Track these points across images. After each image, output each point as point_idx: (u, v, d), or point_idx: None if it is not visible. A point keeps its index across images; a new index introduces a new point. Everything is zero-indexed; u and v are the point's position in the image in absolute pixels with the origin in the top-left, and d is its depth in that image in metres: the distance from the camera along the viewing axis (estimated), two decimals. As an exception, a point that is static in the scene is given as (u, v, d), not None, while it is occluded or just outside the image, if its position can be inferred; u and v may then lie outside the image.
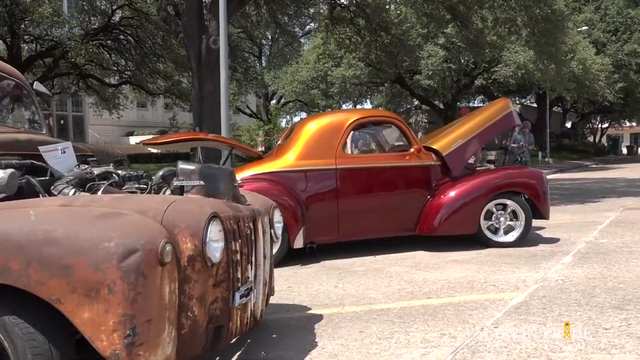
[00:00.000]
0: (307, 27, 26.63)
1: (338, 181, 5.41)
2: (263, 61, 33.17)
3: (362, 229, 5.54)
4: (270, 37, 29.90)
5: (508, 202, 5.72)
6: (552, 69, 17.88)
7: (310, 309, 3.79)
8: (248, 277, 2.61)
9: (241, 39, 25.86)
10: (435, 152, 5.83)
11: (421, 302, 3.84)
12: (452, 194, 5.65)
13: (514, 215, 5.75)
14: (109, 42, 23.02)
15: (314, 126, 5.59)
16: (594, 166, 26.25)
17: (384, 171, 5.62)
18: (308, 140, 5.49)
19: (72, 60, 21.48)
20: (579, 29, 25.20)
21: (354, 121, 5.60)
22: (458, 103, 28.36)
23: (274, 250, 5.13)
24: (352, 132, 5.60)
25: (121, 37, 22.53)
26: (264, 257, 2.85)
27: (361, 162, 5.56)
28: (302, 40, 30.00)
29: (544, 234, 6.51)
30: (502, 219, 5.75)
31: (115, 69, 24.21)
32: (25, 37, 21.73)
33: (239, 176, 5.25)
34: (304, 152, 5.43)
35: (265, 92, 31.77)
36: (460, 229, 5.65)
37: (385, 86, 26.52)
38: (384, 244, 5.86)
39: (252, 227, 2.68)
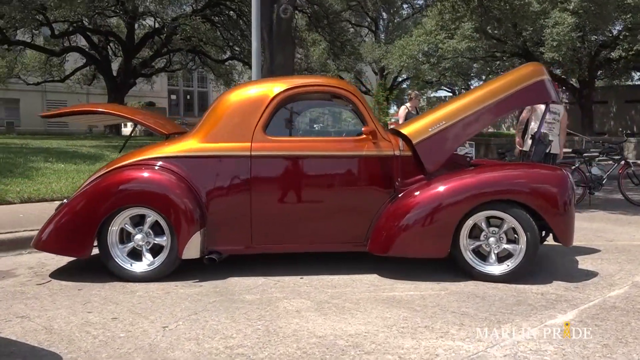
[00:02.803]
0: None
1: (252, 172, 4.01)
2: (380, 35, 31.49)
3: (286, 239, 4.08)
4: (386, 8, 28.15)
5: (504, 216, 3.86)
6: None
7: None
8: None
9: (349, 8, 24.51)
10: (405, 138, 4.14)
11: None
12: (416, 199, 3.94)
13: (516, 234, 3.88)
14: (215, 18, 23.15)
15: (231, 99, 4.20)
16: None
17: (318, 162, 4.06)
18: (220, 117, 4.14)
19: (182, 36, 21.86)
20: None
21: (282, 92, 4.10)
22: (599, 81, 24.16)
23: (156, 260, 4.02)
24: (279, 107, 4.11)
25: (226, 12, 22.46)
26: None
27: (286, 149, 4.05)
28: (421, 12, 27.77)
29: (575, 259, 4.46)
30: (491, 239, 3.91)
31: (224, 44, 24.36)
32: (141, 15, 22.60)
33: (125, 162, 4.13)
34: (212, 133, 4.10)
35: (381, 69, 30.10)
36: (422, 250, 3.92)
37: (504, 60, 23.33)
38: (349, 258, 4.36)
39: None
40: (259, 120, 4.04)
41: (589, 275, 4.08)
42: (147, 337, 2.87)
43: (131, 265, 4.01)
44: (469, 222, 3.88)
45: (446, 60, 22.92)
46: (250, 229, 4.03)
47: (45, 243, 4.03)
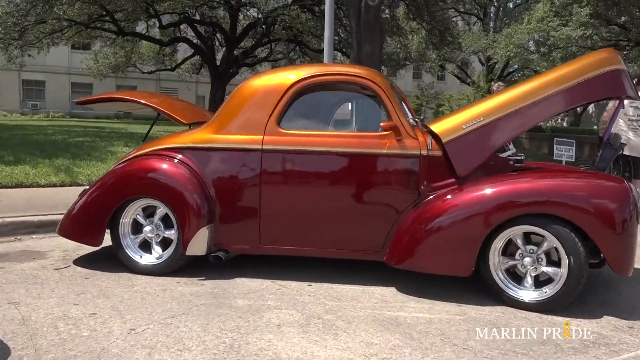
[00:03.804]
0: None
1: (262, 167, 3.72)
2: (490, 24, 29.71)
3: (297, 242, 3.74)
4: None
5: (543, 232, 3.22)
6: None
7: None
8: None
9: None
10: (436, 136, 3.61)
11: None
12: (437, 206, 3.42)
13: (559, 255, 3.22)
14: (316, 7, 23.10)
15: (247, 88, 3.92)
16: None
17: (334, 159, 3.66)
18: (234, 108, 3.89)
19: (281, 26, 22.16)
20: None
21: (298, 82, 3.74)
22: None
23: (165, 254, 3.87)
24: (295, 98, 3.76)
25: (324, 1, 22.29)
26: None
27: (299, 143, 3.68)
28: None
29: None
30: (527, 259, 3.28)
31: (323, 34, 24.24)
32: (242, 6, 23.19)
33: (141, 152, 4.06)
34: (225, 124, 3.86)
35: (487, 59, 28.44)
36: (441, 267, 3.39)
37: (628, 50, 20.84)
38: (373, 267, 3.95)
39: None
40: (273, 111, 3.74)
41: (653, 312, 3.31)
42: (106, 339, 2.71)
43: (141, 257, 3.92)
44: (502, 238, 3.30)
45: (558, 49, 20.98)
46: (258, 228, 3.76)
47: (64, 229, 4.07)
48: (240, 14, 24.50)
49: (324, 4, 22.78)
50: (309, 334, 2.84)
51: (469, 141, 3.53)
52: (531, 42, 22.05)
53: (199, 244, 3.77)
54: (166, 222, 3.91)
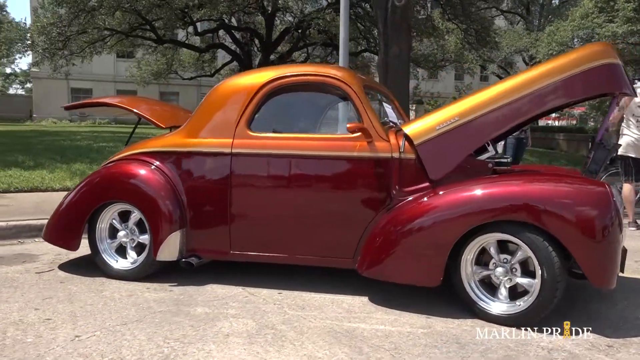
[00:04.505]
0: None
1: (232, 172, 3.63)
2: (534, 22, 28.74)
3: (267, 248, 3.62)
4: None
5: (516, 240, 2.98)
6: None
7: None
8: None
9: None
10: (409, 138, 3.42)
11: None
12: (405, 212, 3.23)
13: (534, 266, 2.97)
14: (351, 10, 22.96)
15: (218, 91, 3.85)
16: None
17: (302, 162, 3.52)
18: (205, 111, 3.82)
19: (316, 29, 22.20)
20: None
21: (268, 84, 3.63)
22: None
23: (139, 259, 3.82)
24: (265, 100, 3.64)
25: (359, 4, 22.14)
26: None
27: (267, 147, 3.56)
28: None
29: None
30: (499, 269, 3.04)
31: (359, 37, 24.09)
32: (278, 11, 23.36)
33: (118, 156, 4.06)
34: (197, 127, 3.80)
35: (530, 57, 27.49)
36: (408, 276, 3.19)
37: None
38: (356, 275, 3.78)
39: None
40: (243, 114, 3.64)
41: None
42: (46, 346, 2.68)
43: (117, 261, 3.91)
44: (473, 246, 3.08)
45: (603, 47, 19.99)
46: (228, 234, 3.66)
47: (46, 233, 4.11)
48: (277, 18, 24.67)
49: (358, 8, 22.62)
50: (254, 346, 2.71)
51: (443, 143, 3.32)
52: (575, 40, 21.15)
53: (169, 250, 3.71)
54: (142, 227, 3.88)
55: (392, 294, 3.47)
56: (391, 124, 3.76)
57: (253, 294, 3.55)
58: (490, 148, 3.48)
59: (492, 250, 3.07)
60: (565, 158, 13.17)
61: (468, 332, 2.91)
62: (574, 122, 32.11)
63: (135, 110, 4.13)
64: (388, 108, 4.00)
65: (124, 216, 3.93)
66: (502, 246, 3.08)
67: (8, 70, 52.59)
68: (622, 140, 5.73)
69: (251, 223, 3.63)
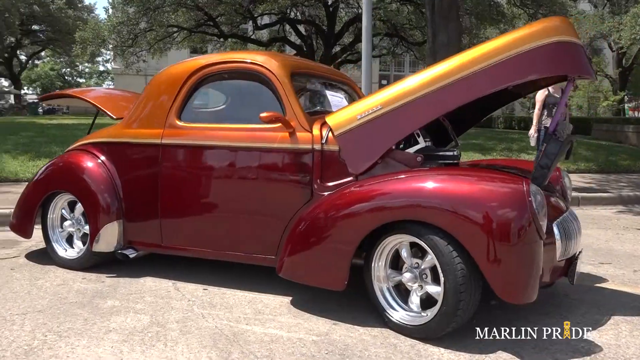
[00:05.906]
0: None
1: (161, 163, 3.54)
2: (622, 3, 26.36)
3: (193, 243, 3.49)
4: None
5: (422, 244, 2.64)
6: None
7: None
8: None
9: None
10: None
11: None
12: (315, 208, 2.96)
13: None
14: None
15: (154, 81, 3.76)
16: None
17: (225, 154, 3.34)
18: (142, 101, 3.74)
19: (378, 20, 21.78)
20: None
21: (196, 72, 3.48)
22: None
23: (82, 249, 3.83)
24: (194, 89, 3.50)
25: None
26: None
27: (192, 137, 3.42)
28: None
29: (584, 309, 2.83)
30: (407, 274, 2.72)
31: (426, 26, 23.28)
32: (342, 2, 23.11)
33: (71, 147, 4.11)
34: (134, 118, 3.73)
35: (615, 43, 25.33)
36: (314, 278, 2.92)
37: None
38: None
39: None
40: (173, 104, 3.54)
41: (570, 345, 2.55)
42: None
43: (65, 250, 3.97)
44: (383, 248, 2.78)
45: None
46: (159, 226, 3.59)
47: (10, 221, 4.26)
48: (341, 10, 24.42)
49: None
50: (125, 344, 2.60)
51: (364, 134, 3.02)
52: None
53: (106, 240, 3.70)
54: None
55: (319, 297, 3.23)
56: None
57: (178, 288, 3.45)
58: (421, 140, 3.12)
59: (404, 254, 2.75)
60: (628, 152, 11.91)
61: (363, 344, 2.62)
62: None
63: (90, 100, 4.16)
64: (334, 97, 3.73)
65: (73, 206, 3.97)
66: (418, 250, 2.75)
67: (101, 68, 56.36)
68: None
69: (179, 216, 3.53)
